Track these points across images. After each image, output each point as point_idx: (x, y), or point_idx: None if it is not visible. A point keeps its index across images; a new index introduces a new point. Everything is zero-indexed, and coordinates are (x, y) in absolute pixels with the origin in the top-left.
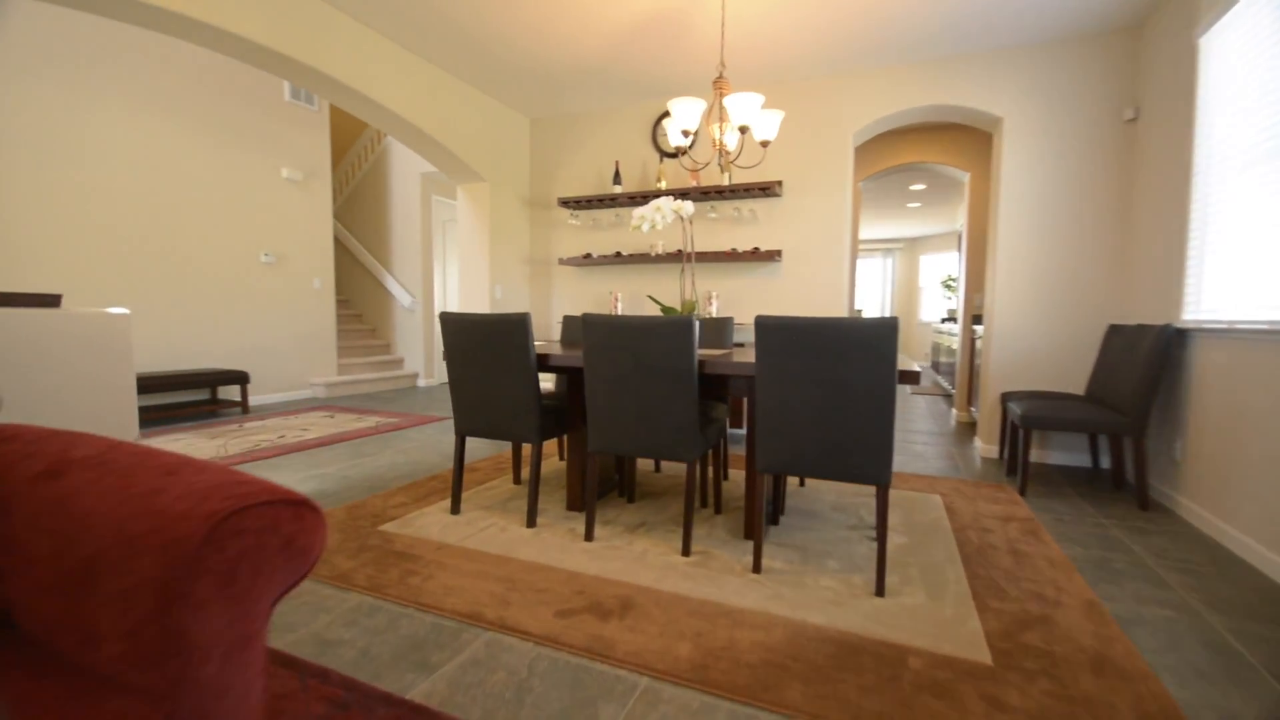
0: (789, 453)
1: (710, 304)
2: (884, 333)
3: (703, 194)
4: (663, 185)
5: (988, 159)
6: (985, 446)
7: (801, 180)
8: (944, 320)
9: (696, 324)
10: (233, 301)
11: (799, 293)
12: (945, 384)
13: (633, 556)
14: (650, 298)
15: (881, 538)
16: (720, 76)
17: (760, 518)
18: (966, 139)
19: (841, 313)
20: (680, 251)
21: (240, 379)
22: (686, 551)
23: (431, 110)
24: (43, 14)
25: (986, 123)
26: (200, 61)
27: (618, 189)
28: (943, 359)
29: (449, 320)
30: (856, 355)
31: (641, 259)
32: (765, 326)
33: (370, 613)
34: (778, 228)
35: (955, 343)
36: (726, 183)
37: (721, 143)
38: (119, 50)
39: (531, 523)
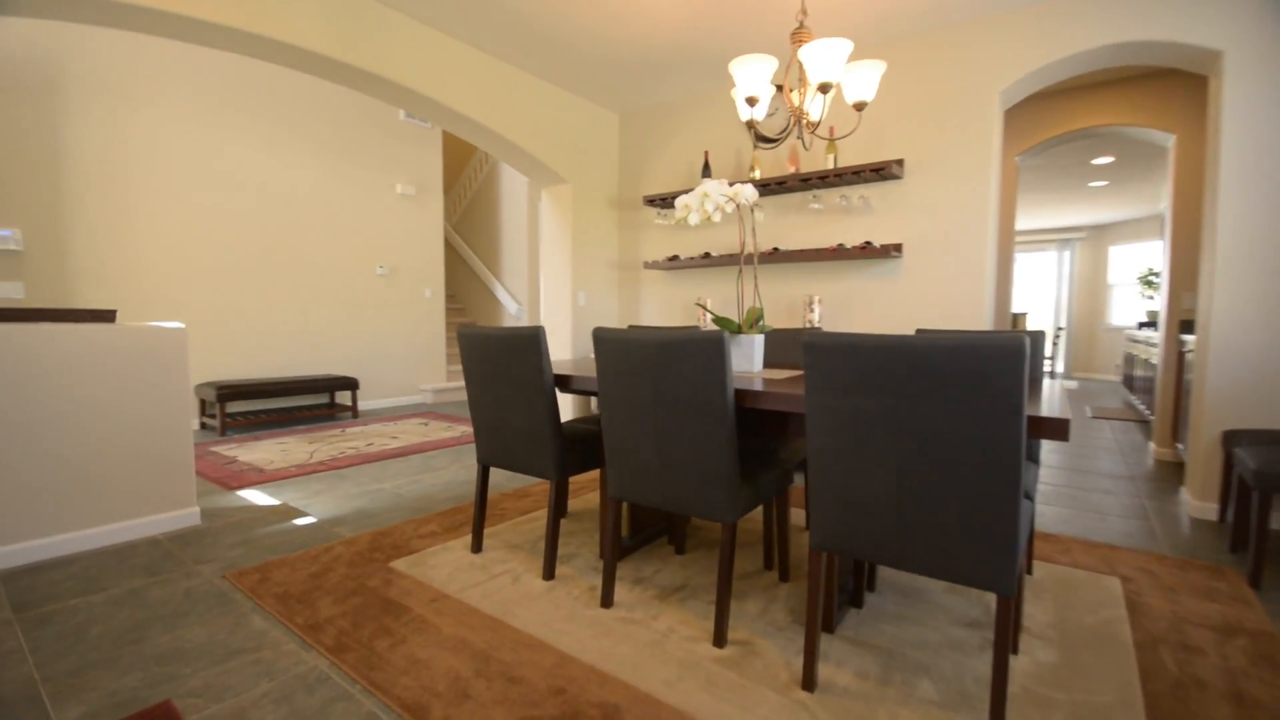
0: (858, 529)
1: (810, 311)
2: (1004, 357)
3: (803, 181)
4: (756, 175)
5: (1201, 115)
6: (1196, 503)
7: (928, 158)
8: (1141, 325)
9: (728, 341)
10: (350, 312)
11: (924, 295)
12: (1141, 407)
13: (651, 638)
14: (698, 304)
15: (1001, 666)
16: (800, 26)
17: (819, 609)
18: (1168, 89)
19: (982, 320)
20: (775, 249)
21: (351, 385)
22: (720, 641)
23: (507, 112)
24: (183, 53)
25: (1198, 62)
26: (323, 89)
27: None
28: (1138, 373)
29: (463, 335)
30: (957, 393)
31: (732, 260)
32: (817, 348)
33: (312, 687)
34: (896, 217)
35: (1155, 355)
36: (831, 165)
37: (801, 109)
38: (252, 84)
39: (549, 574)
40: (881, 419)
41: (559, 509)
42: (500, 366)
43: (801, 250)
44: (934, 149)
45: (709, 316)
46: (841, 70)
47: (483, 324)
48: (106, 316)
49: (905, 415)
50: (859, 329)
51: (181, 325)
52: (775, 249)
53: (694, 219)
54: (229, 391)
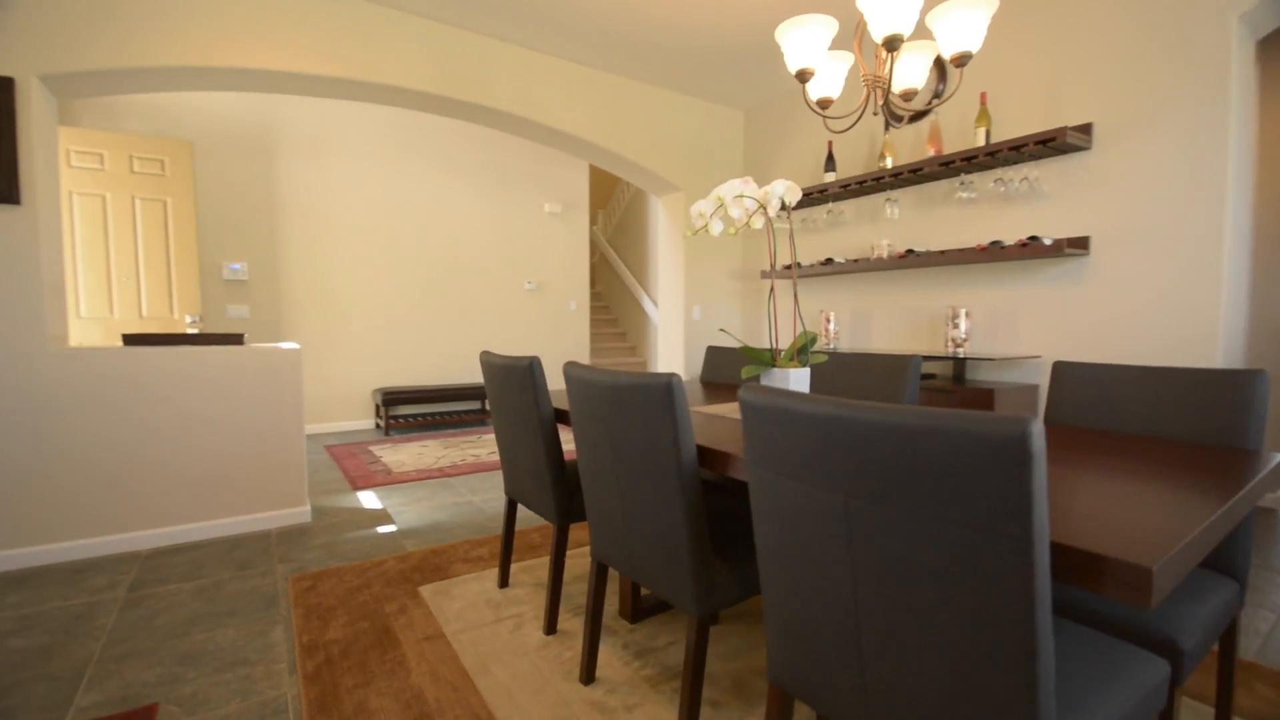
0: (811, 670)
1: (954, 328)
2: (988, 449)
3: (944, 166)
4: (888, 163)
5: None
6: None
7: (1129, 119)
8: None
9: (679, 388)
10: (499, 324)
11: (1122, 308)
12: None
13: None
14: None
15: None
16: None
17: None
18: None
19: (1214, 342)
20: (909, 252)
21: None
22: None
23: (611, 123)
24: (361, 110)
25: None
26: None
27: (829, 177)
28: None
29: (485, 361)
30: (926, 503)
31: (860, 266)
32: (749, 407)
33: (265, 718)
34: (1078, 202)
35: None
36: (982, 142)
37: (880, 75)
38: (416, 127)
39: (549, 628)
40: (826, 525)
41: (559, 557)
42: (507, 397)
43: (942, 251)
44: (1137, 106)
45: (836, 330)
46: (913, 17)
47: (631, 335)
48: (236, 339)
49: (856, 525)
50: (1024, 350)
51: (297, 346)
52: (909, 251)
53: (716, 228)
54: (392, 396)
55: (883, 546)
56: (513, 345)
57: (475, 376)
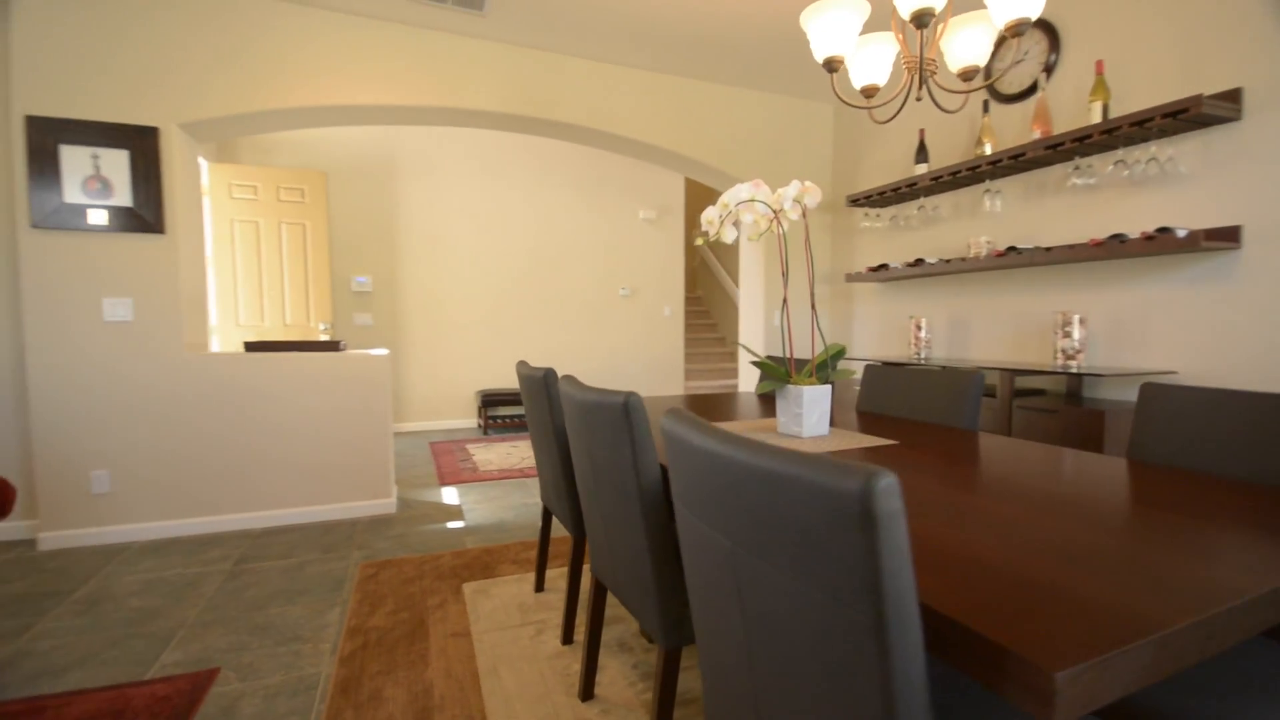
0: (725, 713)
1: (1065, 336)
2: (838, 503)
3: (1051, 149)
4: (986, 150)
5: None
6: None
7: None
8: None
9: (636, 409)
10: (593, 329)
11: None
12: None
13: None
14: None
15: None
16: None
17: None
18: None
19: None
20: (1010, 249)
21: None
22: None
23: (683, 127)
24: (469, 134)
25: None
26: None
27: (920, 168)
28: None
29: (519, 369)
30: (787, 558)
31: (952, 267)
32: (667, 434)
33: (294, 694)
34: (1225, 185)
35: None
36: (1098, 119)
37: (923, 57)
38: (517, 145)
39: (567, 639)
40: (719, 569)
41: (577, 567)
42: (531, 405)
43: (1048, 249)
44: None
45: (927, 337)
46: None
47: (731, 340)
48: (333, 347)
49: (741, 572)
50: (1156, 365)
51: (386, 352)
52: (1010, 249)
53: (730, 234)
54: (490, 398)
55: (761, 600)
56: (605, 350)
57: None
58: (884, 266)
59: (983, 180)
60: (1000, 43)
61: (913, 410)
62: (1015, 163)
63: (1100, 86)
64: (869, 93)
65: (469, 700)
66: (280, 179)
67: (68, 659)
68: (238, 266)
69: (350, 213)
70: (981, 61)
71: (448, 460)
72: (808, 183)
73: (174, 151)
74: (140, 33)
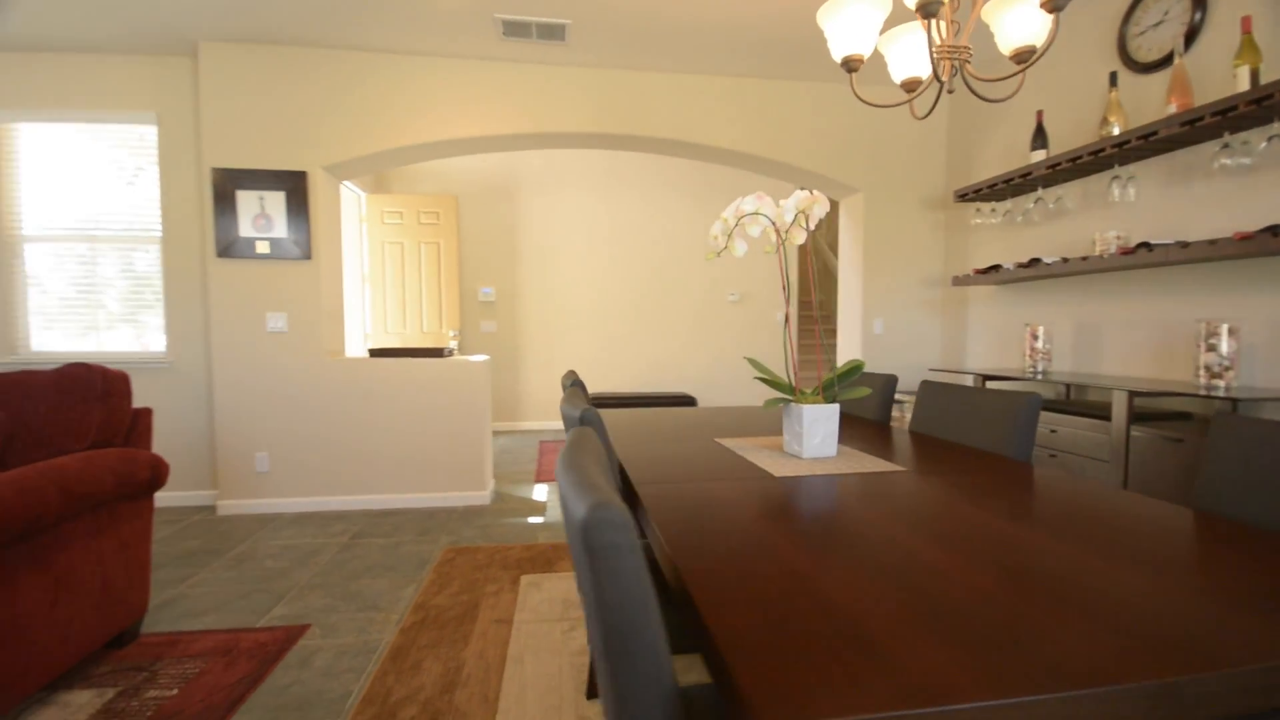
0: None
1: (1209, 350)
2: None
3: (1189, 125)
4: (1114, 129)
5: None
6: None
7: None
8: None
9: (591, 419)
10: (701, 336)
11: None
12: None
13: None
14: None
15: None
16: None
17: None
18: None
19: None
20: (1141, 246)
21: (688, 401)
22: None
23: (771, 131)
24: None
25: None
26: None
27: (1037, 155)
28: None
29: (564, 380)
30: None
31: (1071, 268)
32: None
33: (354, 655)
34: None
35: None
36: (1245, 86)
37: (953, 45)
38: (626, 159)
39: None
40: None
41: None
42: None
43: (1184, 244)
44: None
45: (1044, 347)
46: None
47: None
48: (438, 353)
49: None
50: None
51: (486, 358)
52: (1141, 245)
53: (740, 248)
54: (597, 401)
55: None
56: (711, 356)
57: (675, 385)
58: (995, 268)
59: (1110, 165)
60: (1136, 3)
61: (962, 434)
62: (1147, 143)
63: (1248, 48)
64: (911, 86)
65: (490, 682)
66: (420, 205)
67: (208, 605)
68: (387, 282)
69: (478, 230)
70: (1038, 40)
71: (549, 459)
72: (814, 192)
73: (318, 190)
74: (291, 98)
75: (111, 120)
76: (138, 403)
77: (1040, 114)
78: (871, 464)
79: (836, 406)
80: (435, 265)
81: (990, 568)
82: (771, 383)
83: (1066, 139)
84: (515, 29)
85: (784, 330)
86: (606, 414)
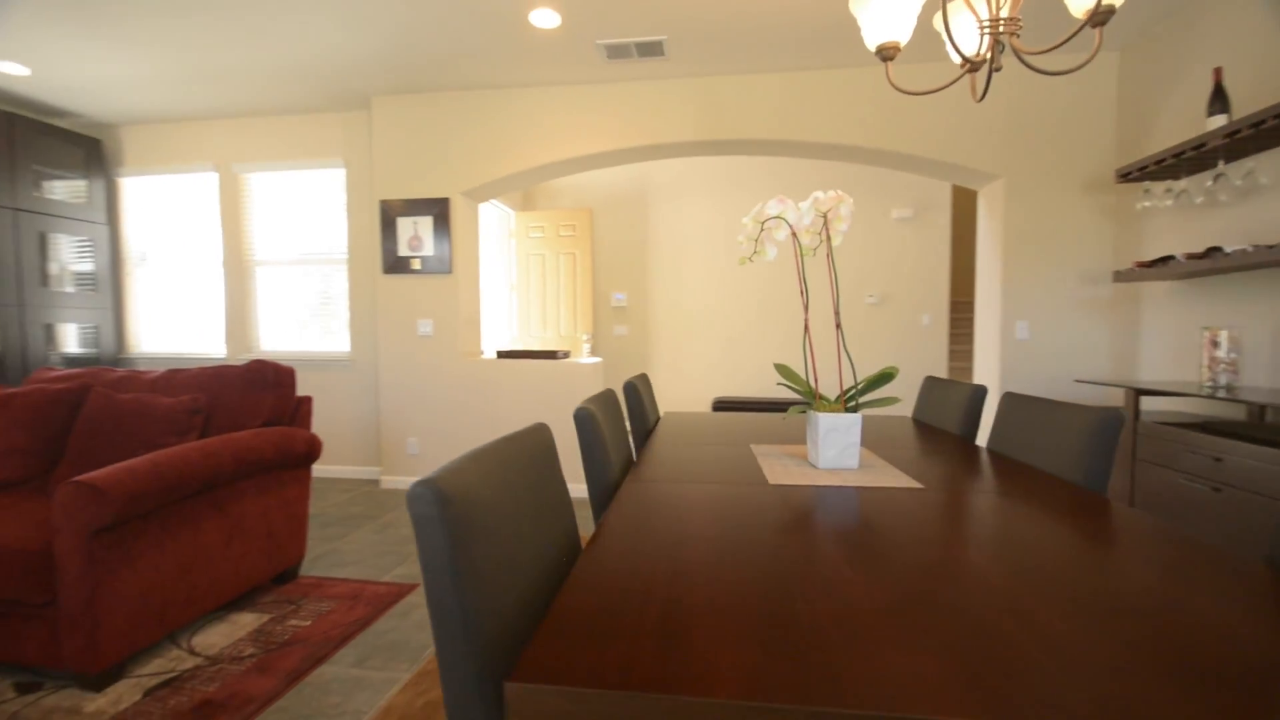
0: None
1: None
2: None
3: None
4: None
5: None
6: None
7: None
8: None
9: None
10: (831, 339)
11: None
12: None
13: None
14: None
15: None
16: None
17: None
18: None
19: None
20: None
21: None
22: None
23: (888, 120)
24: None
25: None
26: None
27: (1215, 120)
28: None
29: (637, 379)
30: None
31: (1255, 258)
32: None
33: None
34: None
35: None
36: None
37: (993, 17)
38: (751, 161)
39: None
40: None
41: None
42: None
43: None
44: None
45: (1234, 355)
46: None
47: None
48: (557, 355)
49: None
50: None
51: (598, 360)
52: None
53: (771, 252)
54: (721, 404)
55: None
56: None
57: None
58: (1165, 260)
59: None
60: None
61: (1035, 453)
62: None
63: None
64: (976, 65)
65: None
66: (559, 219)
67: (351, 559)
68: (530, 290)
69: (611, 239)
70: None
71: None
72: (837, 191)
73: (458, 212)
74: (435, 135)
75: (313, 167)
76: (327, 393)
77: (1218, 72)
78: (888, 478)
79: (857, 417)
80: (572, 274)
81: (886, 593)
82: (794, 383)
83: (1257, 94)
84: (617, 51)
85: (804, 337)
86: (703, 416)
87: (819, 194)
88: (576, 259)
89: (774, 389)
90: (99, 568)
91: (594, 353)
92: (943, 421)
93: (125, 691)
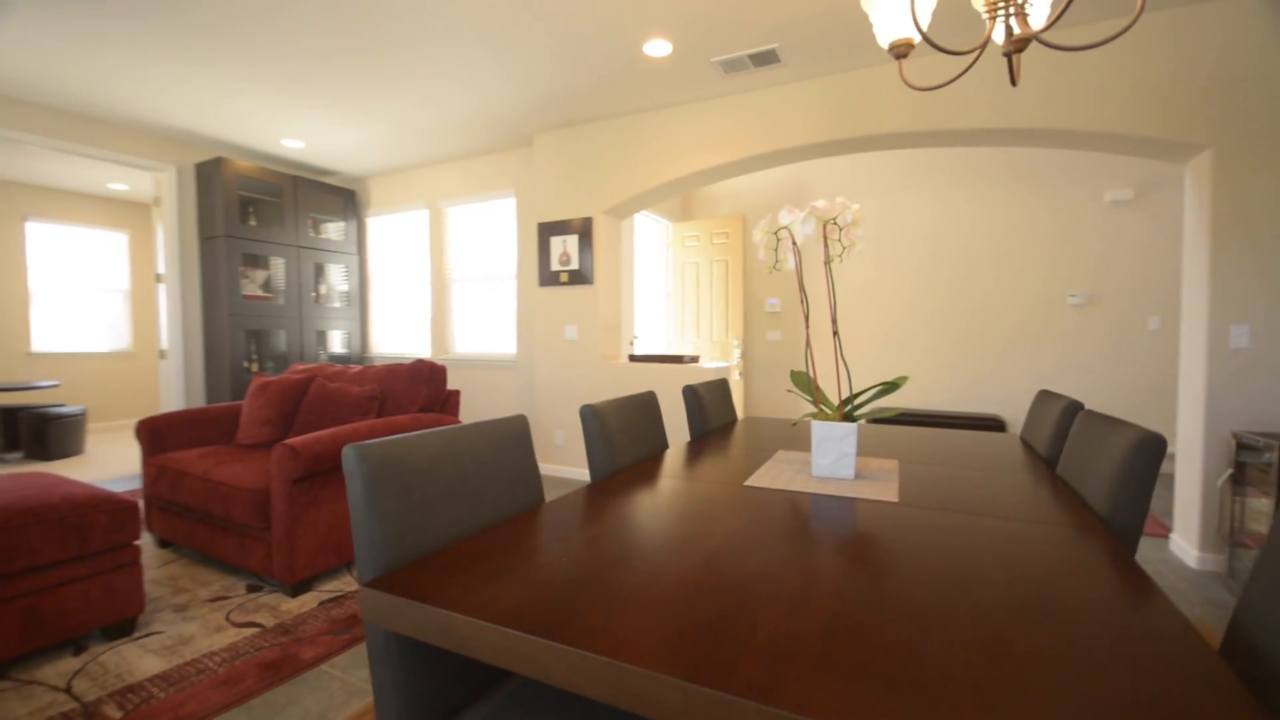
0: None
1: None
2: None
3: None
4: None
5: None
6: None
7: None
8: None
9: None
10: (1027, 346)
11: None
12: None
13: None
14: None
15: None
16: None
17: None
18: None
19: None
20: None
21: (993, 426)
22: None
23: (1050, 94)
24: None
25: None
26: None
27: None
28: None
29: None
30: None
31: None
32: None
33: None
34: None
35: None
36: None
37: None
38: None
39: None
40: None
41: None
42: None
43: None
44: None
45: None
46: None
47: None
48: (684, 360)
49: None
50: None
51: (726, 365)
52: None
53: (791, 262)
54: (880, 418)
55: None
56: (1044, 373)
57: (986, 405)
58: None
59: None
60: None
61: (1086, 480)
62: None
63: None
64: (1018, 46)
65: None
66: (713, 227)
67: None
68: (685, 297)
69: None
70: None
71: None
72: (838, 199)
73: (599, 229)
74: (578, 162)
75: (493, 198)
76: (498, 389)
77: None
78: (868, 490)
79: (852, 427)
80: (723, 280)
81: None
82: (807, 388)
83: None
84: (732, 65)
85: (806, 354)
86: (773, 422)
87: (817, 203)
88: (729, 265)
89: (961, 402)
90: (295, 507)
91: (745, 358)
92: (1037, 441)
93: (308, 600)
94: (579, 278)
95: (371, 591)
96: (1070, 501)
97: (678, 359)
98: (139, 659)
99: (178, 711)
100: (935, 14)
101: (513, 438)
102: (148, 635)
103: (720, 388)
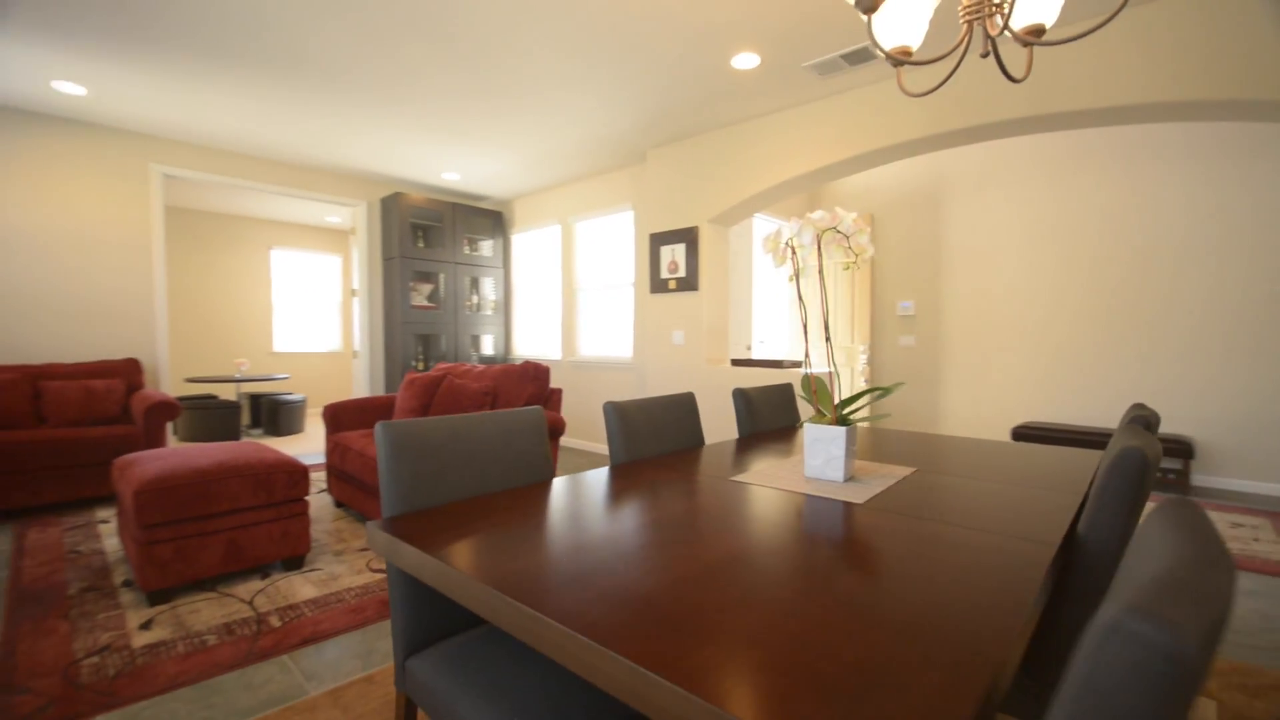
0: None
1: None
2: None
3: None
4: None
5: None
6: None
7: None
8: None
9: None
10: (1215, 352)
11: None
12: None
13: None
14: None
15: None
16: None
17: None
18: None
19: None
20: None
21: (1181, 451)
22: None
23: (1185, 59)
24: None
25: None
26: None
27: None
28: None
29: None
30: None
31: None
32: None
33: None
34: None
35: None
36: None
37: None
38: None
39: None
40: None
41: None
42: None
43: None
44: None
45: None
46: None
47: None
48: (783, 364)
49: None
50: None
51: (828, 370)
52: None
53: (795, 272)
54: (1023, 432)
55: None
56: (1243, 385)
57: (1163, 422)
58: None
59: None
60: None
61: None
62: None
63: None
64: (1037, 31)
65: None
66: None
67: None
68: (810, 302)
69: (896, 244)
70: None
71: None
72: (835, 210)
73: (705, 238)
74: (685, 174)
75: (614, 212)
76: (616, 389)
77: None
78: (844, 493)
79: (842, 430)
80: (850, 283)
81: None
82: (820, 391)
83: None
84: (825, 68)
85: (805, 355)
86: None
87: (814, 214)
88: (855, 269)
89: (1111, 417)
90: None
91: (871, 364)
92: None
93: None
94: (686, 284)
95: (377, 531)
96: (1052, 518)
97: (777, 364)
98: (301, 586)
99: (317, 626)
100: None
101: (524, 426)
102: (311, 570)
103: (781, 392)
